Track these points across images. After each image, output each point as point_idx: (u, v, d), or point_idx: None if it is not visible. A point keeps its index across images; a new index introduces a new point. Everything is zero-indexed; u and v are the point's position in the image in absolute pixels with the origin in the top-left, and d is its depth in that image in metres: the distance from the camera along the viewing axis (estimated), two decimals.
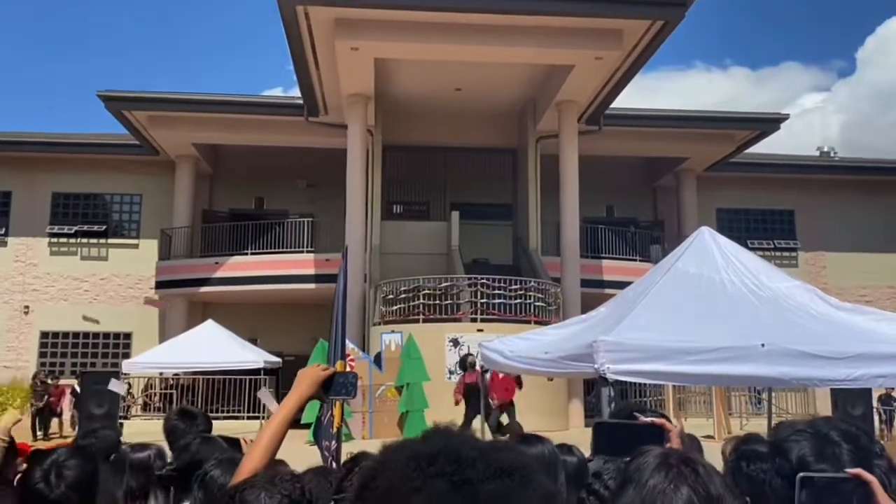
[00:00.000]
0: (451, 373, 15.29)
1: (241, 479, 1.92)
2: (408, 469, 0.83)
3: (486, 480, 0.82)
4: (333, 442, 4.22)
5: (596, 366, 5.22)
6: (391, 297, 16.72)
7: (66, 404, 17.55)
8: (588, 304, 11.95)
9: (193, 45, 70.50)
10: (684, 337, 5.24)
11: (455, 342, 15.51)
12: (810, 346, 5.07)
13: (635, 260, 19.68)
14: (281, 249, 20.21)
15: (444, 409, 12.77)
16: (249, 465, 1.96)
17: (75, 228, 22.69)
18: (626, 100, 26.44)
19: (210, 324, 17.51)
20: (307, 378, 2.15)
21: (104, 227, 22.94)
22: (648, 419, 1.94)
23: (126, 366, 17.16)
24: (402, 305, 16.42)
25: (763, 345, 5.08)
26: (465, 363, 12.23)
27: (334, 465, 4.09)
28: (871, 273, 23.18)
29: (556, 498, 0.87)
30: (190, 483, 2.81)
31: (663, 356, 5.12)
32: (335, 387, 2.16)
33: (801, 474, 1.69)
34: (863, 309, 6.43)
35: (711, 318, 5.48)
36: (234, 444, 2.91)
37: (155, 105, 19.80)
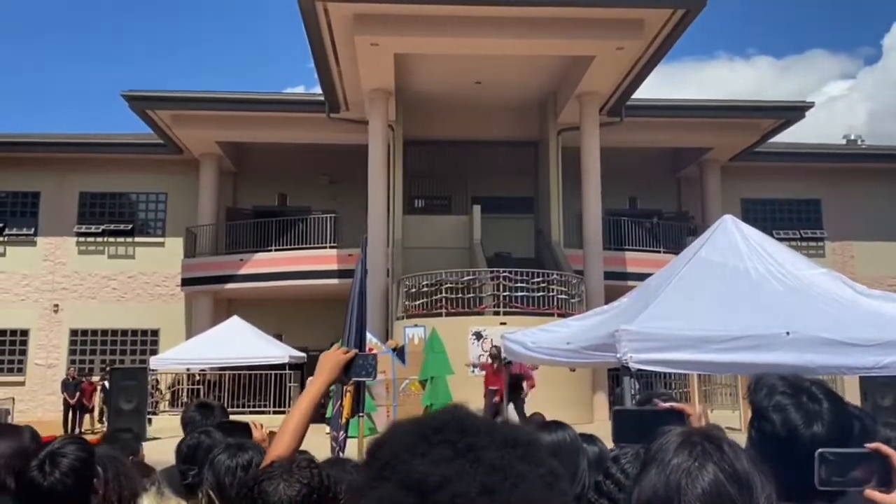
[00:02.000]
0: (473, 366, 15.31)
1: (264, 467, 1.95)
2: (413, 437, 0.84)
3: (488, 448, 0.83)
4: (342, 433, 4.26)
5: (619, 355, 5.19)
6: (414, 291, 16.76)
7: (97, 400, 17.84)
8: (612, 297, 11.89)
9: (216, 45, 71.05)
10: (708, 325, 5.19)
11: (478, 335, 15.51)
12: (837, 333, 5.00)
13: (659, 252, 19.52)
14: (304, 245, 20.33)
15: (467, 403, 12.78)
16: (278, 450, 1.99)
17: (102, 227, 23.01)
18: (649, 91, 26.21)
19: (235, 320, 17.69)
20: (330, 361, 2.18)
21: (130, 225, 23.23)
22: (668, 404, 1.93)
23: (154, 362, 17.39)
24: (425, 300, 16.46)
25: (788, 333, 5.02)
26: (493, 355, 12.28)
27: (340, 454, 4.11)
28: None
29: (560, 477, 0.87)
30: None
31: (687, 345, 5.08)
32: (355, 368, 2.19)
33: (820, 450, 1.68)
34: (891, 296, 6.33)
35: (735, 306, 5.43)
36: (243, 428, 2.95)
37: (178, 104, 19.99)
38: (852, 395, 16.48)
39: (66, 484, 2.04)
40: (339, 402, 4.63)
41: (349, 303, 4.54)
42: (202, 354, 16.93)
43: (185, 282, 21.38)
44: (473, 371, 15.17)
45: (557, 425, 2.57)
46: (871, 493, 1.57)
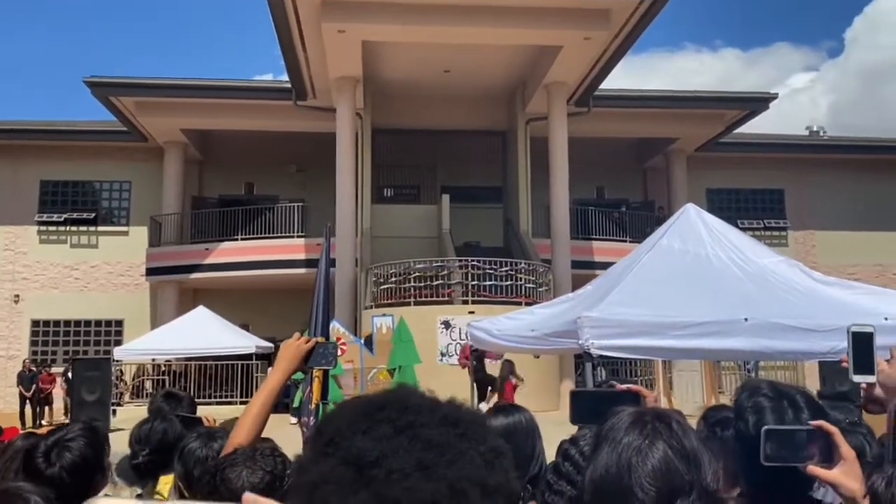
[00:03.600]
0: (442, 355, 15.35)
1: (226, 454, 1.94)
2: (357, 415, 0.86)
3: (427, 426, 0.84)
4: (312, 418, 4.26)
5: (581, 341, 5.24)
6: (382, 280, 16.73)
7: (59, 392, 17.56)
8: (579, 286, 11.93)
9: (184, 33, 69.93)
10: (669, 312, 5.27)
11: (447, 324, 15.55)
12: (793, 319, 5.10)
13: (626, 241, 19.71)
14: (271, 235, 20.17)
15: (435, 391, 12.82)
16: (237, 439, 1.98)
17: (64, 216, 22.58)
18: (617, 82, 26.38)
19: (201, 310, 17.51)
20: (290, 350, 2.17)
21: (93, 214, 22.84)
22: (624, 386, 1.96)
23: (118, 353, 17.16)
24: (393, 287, 16.44)
25: (747, 319, 5.12)
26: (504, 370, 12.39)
27: None
28: (860, 251, 23.30)
29: (503, 455, 0.88)
30: (159, 467, 2.83)
31: (647, 331, 5.15)
32: (315, 357, 2.19)
33: (766, 427, 1.72)
34: (847, 283, 6.48)
35: (696, 292, 5.51)
36: (196, 422, 2.94)
37: (142, 91, 19.65)
38: (812, 380, 16.85)
39: (63, 479, 2.01)
40: (308, 390, 4.62)
41: (314, 292, 4.52)
42: (167, 345, 16.75)
43: (150, 271, 21.10)
44: (442, 360, 15.23)
45: (514, 408, 2.59)
46: (813, 468, 1.62)
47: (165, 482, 2.78)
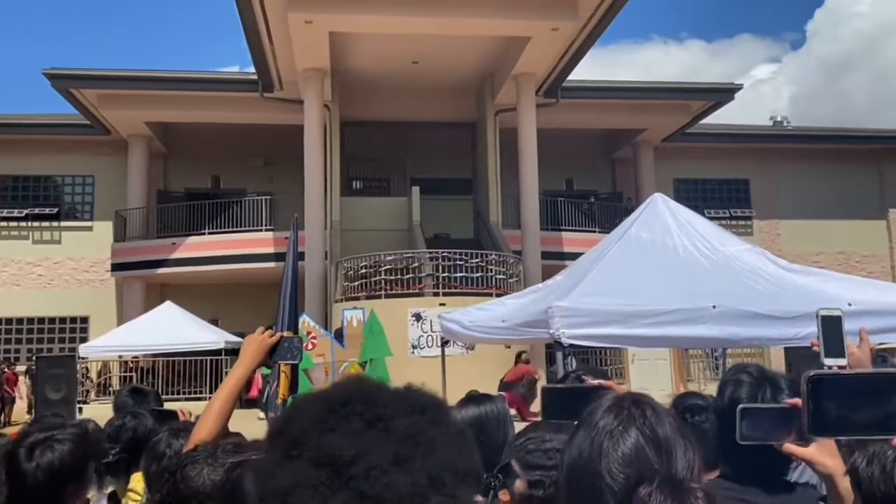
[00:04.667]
0: (413, 347, 15.33)
1: (187, 451, 1.89)
2: (321, 412, 0.83)
3: (397, 417, 0.82)
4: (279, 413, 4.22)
5: (551, 331, 5.27)
6: (352, 273, 16.65)
7: (22, 390, 17.22)
8: (549, 276, 12.02)
9: (148, 24, 68.74)
10: (638, 300, 5.31)
11: (418, 317, 15.52)
12: (759, 306, 5.17)
13: (595, 231, 19.85)
14: (239, 228, 19.96)
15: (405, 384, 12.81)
16: (199, 435, 1.94)
17: (26, 212, 22.11)
18: (585, 73, 26.50)
19: (168, 305, 17.29)
20: (253, 345, 2.14)
21: (56, 209, 22.40)
22: (596, 381, 1.96)
23: (83, 350, 16.87)
24: (364, 281, 16.37)
25: (714, 306, 5.17)
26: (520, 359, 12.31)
27: None
28: (824, 239, 23.74)
29: (468, 436, 0.89)
30: (131, 464, 2.79)
31: (617, 320, 5.18)
32: (280, 351, 2.16)
33: (742, 406, 1.74)
34: (811, 270, 6.59)
35: (664, 281, 5.56)
36: (170, 416, 2.90)
37: (104, 83, 19.27)
38: (779, 367, 17.11)
39: (39, 480, 1.95)
40: (275, 384, 4.57)
41: (282, 285, 4.47)
42: (134, 341, 16.52)
43: (115, 267, 20.76)
44: (413, 352, 15.21)
45: (485, 397, 2.59)
46: (789, 446, 1.63)
47: (139, 479, 2.73)
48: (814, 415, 0.95)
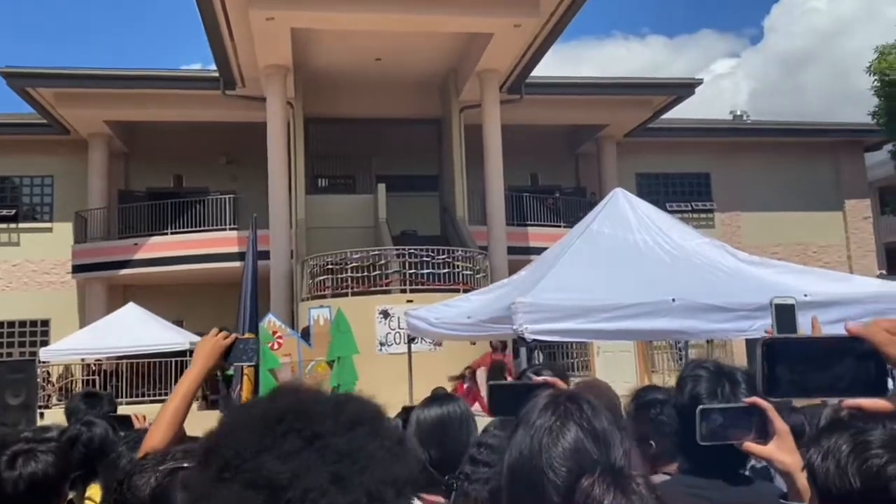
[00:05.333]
0: (381, 345, 15.32)
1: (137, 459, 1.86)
2: (255, 431, 0.80)
3: (335, 433, 0.81)
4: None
5: (515, 327, 5.32)
6: (318, 271, 16.57)
7: None
8: (515, 271, 12.09)
9: (108, 22, 67.45)
10: (599, 295, 5.38)
11: (385, 314, 15.51)
12: (717, 299, 5.28)
13: (560, 226, 20.00)
14: (202, 228, 19.73)
15: (373, 382, 12.79)
16: (151, 442, 1.92)
17: None
18: (548, 69, 26.62)
19: (131, 307, 17.02)
20: (207, 347, 2.12)
21: (14, 211, 21.91)
22: (541, 378, 1.99)
23: (44, 354, 16.55)
24: (330, 278, 16.31)
25: (674, 300, 5.27)
26: (495, 346, 12.18)
27: None
28: (783, 231, 24.22)
29: (405, 440, 0.88)
30: (92, 472, 2.75)
31: (579, 314, 5.25)
32: (235, 353, 2.14)
33: (701, 406, 1.78)
34: (769, 262, 6.73)
35: (625, 275, 5.64)
36: (125, 421, 2.86)
37: (62, 81, 18.88)
38: (742, 358, 17.45)
39: (19, 487, 1.90)
40: (238, 387, 4.54)
41: (242, 286, 4.44)
42: (97, 344, 16.23)
43: (77, 268, 20.38)
44: (381, 350, 15.19)
45: (448, 397, 2.62)
46: (748, 445, 1.66)
47: (96, 489, 2.70)
48: (768, 377, 0.99)
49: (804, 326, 2.27)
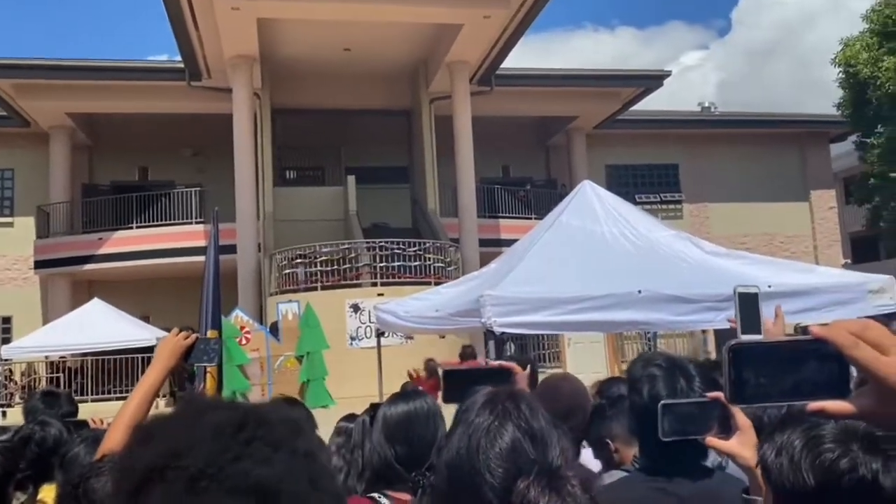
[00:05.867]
0: (352, 339, 15.23)
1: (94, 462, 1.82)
2: (222, 437, 0.77)
3: (294, 438, 0.78)
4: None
5: (483, 319, 5.29)
6: (287, 265, 16.41)
7: None
8: (487, 263, 12.09)
9: (72, 12, 66.10)
10: (567, 287, 5.37)
11: (356, 308, 15.42)
12: (682, 290, 5.30)
13: (531, 218, 20.03)
14: (168, 222, 19.43)
15: (345, 376, 12.75)
16: (108, 444, 1.87)
17: None
18: (519, 60, 26.65)
19: (96, 302, 16.70)
20: (167, 347, 2.08)
21: None
22: (497, 363, 1.96)
23: (6, 351, 16.19)
24: (299, 272, 16.16)
25: (640, 291, 5.27)
26: (465, 354, 12.12)
27: None
28: (750, 222, 24.52)
29: (320, 447, 0.86)
30: (45, 473, 2.68)
31: (546, 306, 5.23)
32: (196, 353, 2.12)
33: (663, 402, 1.75)
34: (736, 254, 6.78)
35: (592, 268, 5.64)
36: (81, 426, 2.80)
37: (22, 72, 18.46)
38: (711, 348, 17.65)
39: None
40: (201, 385, 4.44)
41: (203, 282, 4.34)
42: (61, 340, 15.90)
43: (39, 264, 19.97)
44: (352, 344, 15.10)
45: (416, 394, 2.57)
46: (710, 440, 1.65)
47: (49, 490, 2.63)
48: (735, 384, 0.96)
49: (768, 316, 2.26)
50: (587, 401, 3.17)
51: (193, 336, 2.12)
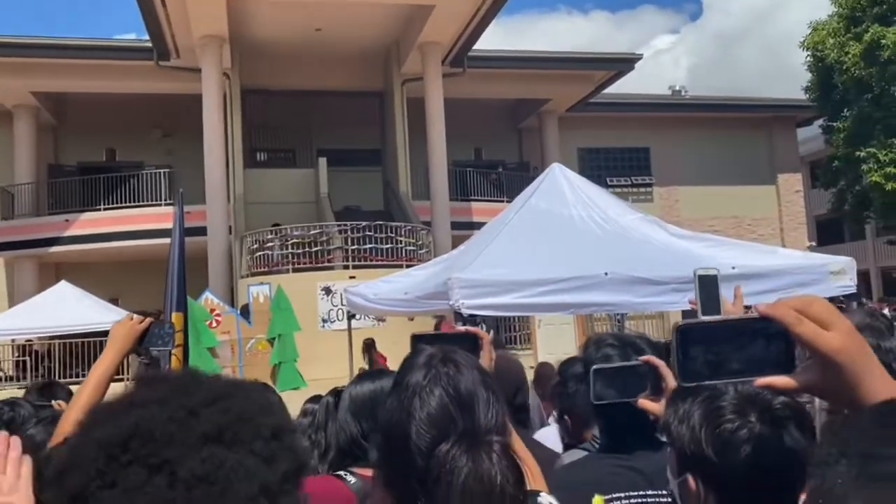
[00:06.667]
0: (324, 321, 15.21)
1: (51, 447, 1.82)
2: (98, 461, 0.72)
3: (187, 455, 0.72)
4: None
5: (451, 302, 5.32)
6: (258, 247, 16.30)
7: None
8: (458, 246, 12.13)
9: None
10: (534, 270, 5.41)
11: (327, 290, 15.38)
12: (648, 272, 5.37)
13: (503, 201, 20.05)
14: (137, 203, 19.16)
15: (316, 359, 12.76)
16: (66, 427, 1.87)
17: None
18: (491, 43, 26.54)
19: (63, 285, 16.45)
20: (121, 332, 2.08)
21: None
22: (463, 328, 1.99)
23: None
24: (270, 255, 16.07)
25: (606, 273, 5.34)
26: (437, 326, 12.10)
27: None
28: (719, 205, 24.83)
29: (282, 431, 0.80)
30: None
31: (514, 289, 5.28)
32: (150, 338, 2.11)
33: (595, 366, 1.79)
34: (702, 236, 6.87)
35: (560, 250, 5.69)
36: (45, 409, 2.79)
37: None
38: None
39: None
40: (166, 367, 4.41)
41: (168, 265, 4.31)
42: (27, 323, 15.64)
43: (3, 246, 19.59)
44: (324, 326, 15.08)
45: (380, 373, 2.60)
46: (643, 402, 1.69)
47: None
48: (683, 363, 0.99)
49: (727, 297, 2.32)
50: (525, 380, 3.26)
51: (148, 320, 2.12)
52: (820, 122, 24.85)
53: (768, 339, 0.96)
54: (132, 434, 0.73)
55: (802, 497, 0.77)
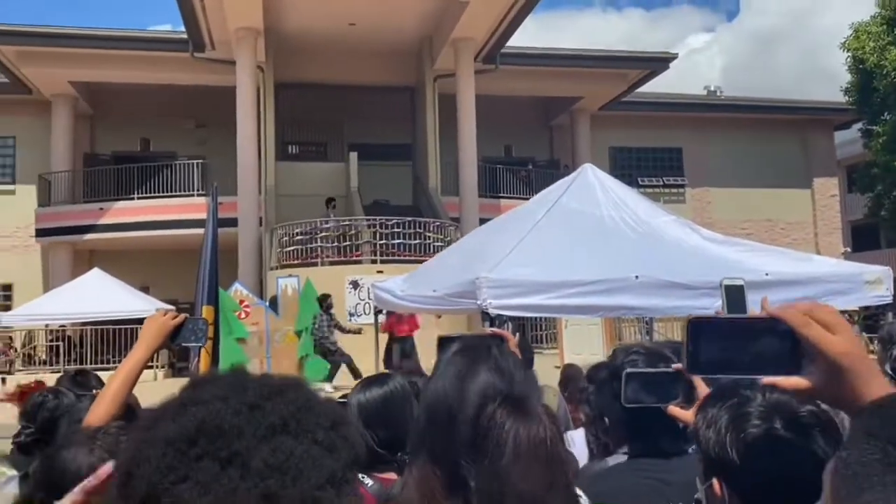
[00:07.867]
0: (351, 315, 15.27)
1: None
2: (168, 457, 0.73)
3: (256, 448, 0.73)
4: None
5: (479, 301, 5.30)
6: (288, 240, 16.42)
7: None
8: None
9: None
10: (563, 271, 5.37)
11: (355, 284, 15.44)
12: (679, 276, 5.29)
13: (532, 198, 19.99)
14: (170, 193, 19.42)
15: (345, 351, 12.80)
16: (93, 418, 1.90)
17: None
18: (524, 40, 26.41)
19: (96, 272, 16.76)
20: (153, 327, 2.09)
21: None
22: (490, 330, 2.00)
23: (6, 318, 16.28)
24: (300, 248, 16.18)
25: (637, 277, 5.28)
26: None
27: None
28: (752, 208, 24.47)
29: (340, 422, 0.80)
30: (46, 446, 2.71)
31: (542, 290, 5.24)
32: (183, 334, 2.11)
33: (627, 370, 1.79)
34: (734, 241, 6.77)
35: (590, 251, 5.63)
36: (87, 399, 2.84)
37: (25, 39, 18.36)
38: None
39: None
40: (195, 360, 4.47)
41: (201, 257, 4.34)
42: (61, 309, 15.98)
43: (40, 233, 19.99)
44: (351, 320, 15.14)
45: (387, 377, 2.60)
46: (672, 409, 1.68)
47: None
48: (691, 355, 1.02)
49: (755, 305, 2.28)
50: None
51: (181, 316, 2.11)
52: (859, 125, 24.36)
53: (775, 339, 0.99)
54: (199, 429, 0.74)
55: None
